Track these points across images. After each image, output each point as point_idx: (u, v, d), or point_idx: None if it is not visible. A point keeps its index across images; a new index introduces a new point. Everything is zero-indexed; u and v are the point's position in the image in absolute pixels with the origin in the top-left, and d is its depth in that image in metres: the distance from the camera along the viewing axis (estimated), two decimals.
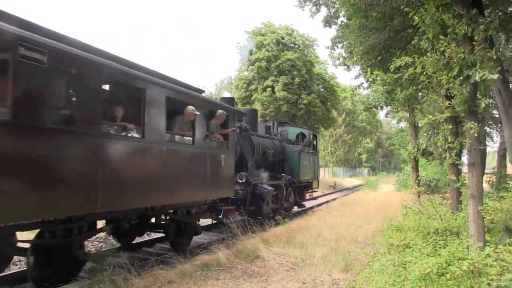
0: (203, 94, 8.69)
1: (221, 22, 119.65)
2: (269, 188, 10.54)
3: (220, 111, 8.15)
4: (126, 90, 5.82)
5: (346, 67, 11.49)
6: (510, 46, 9.78)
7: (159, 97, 6.18)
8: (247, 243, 7.69)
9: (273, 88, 28.91)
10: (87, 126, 4.89)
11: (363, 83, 13.56)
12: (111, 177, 5.24)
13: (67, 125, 4.80)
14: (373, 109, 14.53)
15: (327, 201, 18.86)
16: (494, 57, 4.02)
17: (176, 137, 6.93)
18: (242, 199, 9.58)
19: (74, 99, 4.90)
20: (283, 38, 29.94)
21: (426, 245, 4.38)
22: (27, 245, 5.16)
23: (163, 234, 7.96)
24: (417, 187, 9.15)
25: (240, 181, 9.58)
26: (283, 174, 12.21)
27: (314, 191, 16.32)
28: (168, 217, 7.45)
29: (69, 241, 5.23)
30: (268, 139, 12.05)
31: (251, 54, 29.33)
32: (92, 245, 8.56)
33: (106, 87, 6.09)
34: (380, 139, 68.91)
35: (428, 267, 3.27)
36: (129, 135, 5.74)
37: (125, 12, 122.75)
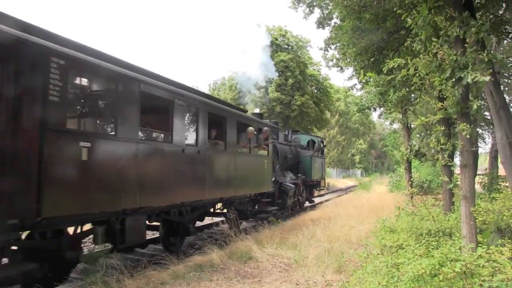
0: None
1: (220, 22, 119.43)
2: (292, 185, 13.27)
3: (265, 128, 11.16)
4: (216, 119, 8.53)
5: (339, 68, 11.51)
6: (501, 49, 9.90)
7: (233, 122, 9.20)
8: (240, 244, 7.67)
9: (266, 89, 28.92)
10: (202, 144, 7.74)
11: (356, 84, 13.62)
12: (211, 176, 8.12)
13: (193, 145, 7.56)
14: (366, 111, 14.60)
15: (321, 202, 18.89)
16: (486, 59, 4.06)
17: (240, 148, 9.84)
18: (273, 194, 12.10)
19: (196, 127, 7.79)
20: (276, 39, 29.97)
21: (419, 246, 4.39)
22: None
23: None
24: (410, 188, 9.18)
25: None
26: (299, 175, 14.63)
27: (322, 189, 19.52)
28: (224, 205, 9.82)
29: (183, 218, 7.79)
30: (287, 146, 14.54)
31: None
32: (84, 246, 8.48)
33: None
34: (373, 140, 69.25)
35: (421, 268, 3.28)
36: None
37: (125, 12, 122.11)
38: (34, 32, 4.59)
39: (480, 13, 5.34)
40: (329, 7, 9.61)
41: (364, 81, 12.47)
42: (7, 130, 4.31)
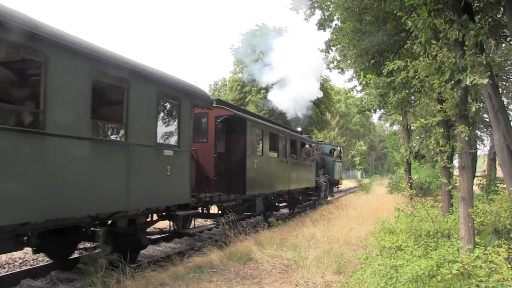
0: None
1: (220, 22, 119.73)
2: (324, 183, 18.71)
3: (313, 144, 18.30)
4: (292, 141, 14.44)
5: (340, 70, 11.54)
6: (500, 52, 9.94)
7: (299, 143, 15.27)
8: (240, 245, 7.69)
9: (267, 90, 28.93)
10: (288, 157, 13.54)
11: (356, 85, 13.64)
12: (289, 176, 13.47)
13: (285, 157, 13.28)
14: (367, 112, 14.61)
15: (320, 204, 18.88)
16: (484, 62, 4.09)
17: (301, 158, 15.73)
18: (312, 188, 17.24)
19: (285, 146, 13.60)
20: None
21: (418, 247, 4.42)
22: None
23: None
24: (409, 189, 9.20)
25: None
26: (326, 175, 19.93)
27: (340, 186, 25.83)
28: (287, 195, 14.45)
29: (275, 199, 13.07)
30: (317, 154, 19.44)
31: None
32: (83, 246, 8.50)
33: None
34: (373, 141, 69.27)
35: (419, 269, 3.30)
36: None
37: (125, 11, 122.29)
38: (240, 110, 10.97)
39: (479, 16, 5.37)
40: (330, 9, 9.64)
41: (364, 83, 12.50)
42: (237, 155, 9.85)
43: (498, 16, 5.71)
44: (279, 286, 5.40)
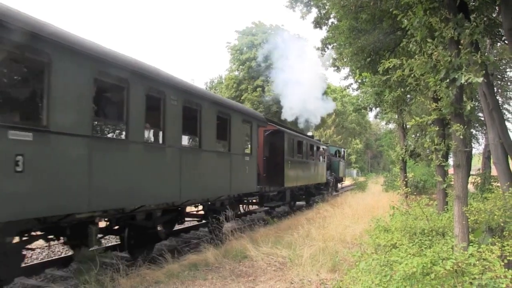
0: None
1: (216, 19, 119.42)
2: (332, 179, 22.64)
3: (325, 147, 22.15)
4: (312, 146, 18.30)
5: (335, 68, 11.54)
6: (495, 51, 9.98)
7: (315, 146, 19.09)
8: (235, 243, 7.69)
9: (263, 88, 28.95)
10: (309, 159, 17.54)
11: (352, 84, 13.65)
12: (308, 173, 17.19)
13: (306, 158, 17.13)
14: (362, 110, 14.67)
15: (316, 202, 18.92)
16: (479, 61, 4.10)
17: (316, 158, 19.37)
18: (322, 184, 20.55)
19: (306, 150, 17.33)
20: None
21: (412, 245, 4.42)
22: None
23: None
24: (404, 188, 9.22)
25: None
26: (332, 173, 23.51)
27: (343, 182, 29.53)
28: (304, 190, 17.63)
29: (297, 192, 16.48)
30: (326, 155, 22.99)
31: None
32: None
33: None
34: (369, 140, 69.43)
35: (413, 267, 3.31)
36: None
37: (124, 10, 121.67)
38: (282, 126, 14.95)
39: (474, 15, 5.38)
40: (326, 7, 9.61)
41: (360, 81, 12.51)
42: (278, 157, 13.31)
43: (494, 15, 5.72)
44: (274, 284, 5.40)
